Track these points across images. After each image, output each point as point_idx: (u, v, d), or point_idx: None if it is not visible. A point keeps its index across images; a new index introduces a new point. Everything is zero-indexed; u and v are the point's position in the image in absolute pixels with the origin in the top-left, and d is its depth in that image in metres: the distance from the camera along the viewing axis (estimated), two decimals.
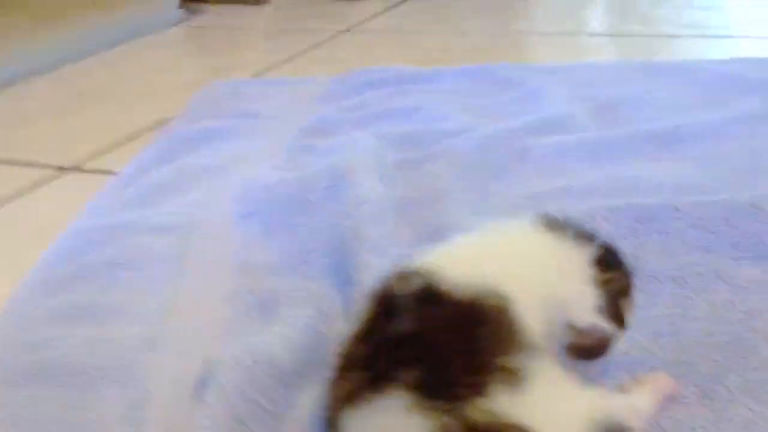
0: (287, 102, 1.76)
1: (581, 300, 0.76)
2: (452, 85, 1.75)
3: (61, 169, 1.56)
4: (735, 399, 0.78)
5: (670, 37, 2.19)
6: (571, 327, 0.75)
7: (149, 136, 1.68)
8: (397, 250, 1.01)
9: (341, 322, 0.90)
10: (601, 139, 1.37)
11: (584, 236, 0.80)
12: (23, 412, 0.84)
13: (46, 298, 1.05)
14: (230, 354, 0.81)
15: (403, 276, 0.71)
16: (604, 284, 0.77)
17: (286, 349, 0.83)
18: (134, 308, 1.01)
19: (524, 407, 0.61)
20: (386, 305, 0.70)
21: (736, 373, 0.81)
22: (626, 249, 0.87)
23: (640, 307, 0.90)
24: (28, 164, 1.59)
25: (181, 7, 2.78)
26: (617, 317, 0.78)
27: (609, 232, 1.03)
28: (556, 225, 0.80)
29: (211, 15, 2.85)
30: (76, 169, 1.57)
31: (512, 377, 0.63)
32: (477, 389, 0.61)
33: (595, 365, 0.79)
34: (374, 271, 0.93)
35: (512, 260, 0.75)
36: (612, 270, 0.79)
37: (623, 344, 0.83)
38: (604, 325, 0.76)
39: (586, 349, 0.77)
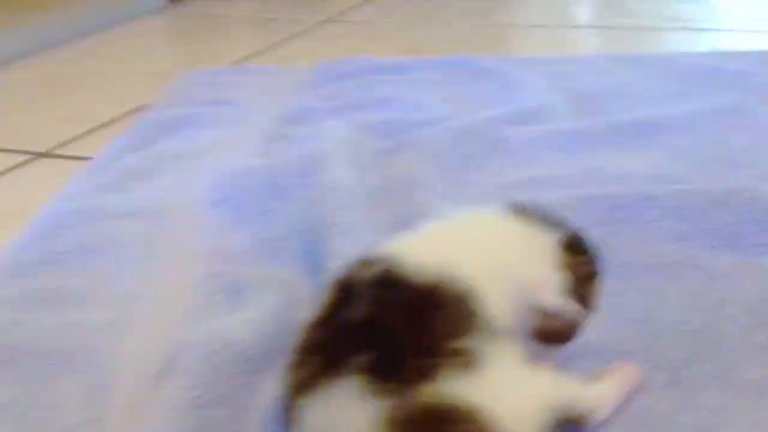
0: (264, 91, 1.74)
1: (548, 284, 0.75)
2: (430, 76, 1.75)
3: (36, 154, 1.55)
4: (704, 386, 0.77)
5: (652, 30, 2.19)
6: (538, 310, 0.74)
7: (126, 122, 1.66)
8: (368, 238, 1.00)
9: (309, 309, 0.89)
10: (577, 130, 1.37)
11: (552, 222, 0.80)
12: None
13: (15, 281, 1.04)
14: (194, 339, 0.80)
15: (364, 262, 0.71)
16: (572, 268, 0.77)
17: (252, 335, 0.82)
18: (102, 293, 1.00)
19: (477, 390, 0.61)
20: (345, 291, 0.69)
21: (706, 361, 0.80)
22: (600, 237, 0.87)
23: (613, 294, 0.90)
24: (2, 150, 1.57)
25: None
26: (584, 301, 0.77)
27: (583, 221, 1.02)
28: (524, 212, 0.80)
29: (193, 4, 2.83)
30: (51, 154, 1.55)
31: (466, 360, 0.62)
32: (427, 372, 0.60)
33: (564, 350, 0.78)
34: (344, 258, 0.92)
35: (478, 246, 0.75)
36: (579, 255, 0.79)
37: (594, 330, 0.83)
38: (571, 308, 0.75)
39: (553, 333, 0.76)
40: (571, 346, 0.79)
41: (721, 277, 0.94)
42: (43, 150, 1.56)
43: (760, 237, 0.99)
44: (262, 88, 1.76)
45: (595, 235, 0.98)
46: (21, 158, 1.53)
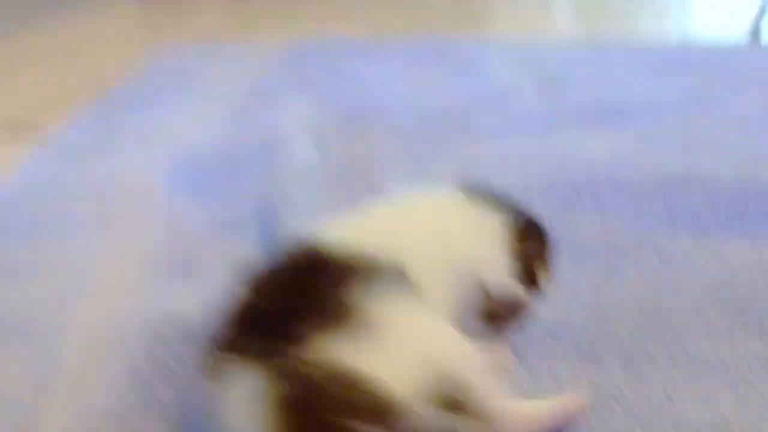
0: (231, 69, 1.73)
1: (494, 264, 0.74)
2: (398, 57, 1.74)
3: None
4: (655, 365, 0.77)
5: (624, 16, 2.19)
6: (483, 291, 0.73)
7: (89, 98, 1.63)
8: (324, 217, 0.99)
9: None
10: (541, 114, 1.38)
11: (502, 204, 0.78)
12: None
13: None
14: (142, 313, 0.79)
15: (294, 243, 0.70)
16: (520, 250, 0.75)
17: (201, 312, 0.80)
18: (54, 268, 0.98)
19: (363, 355, 0.59)
20: (266, 271, 0.68)
21: (658, 340, 0.80)
22: (560, 219, 0.86)
23: (569, 275, 0.90)
24: None
25: None
26: (531, 282, 0.76)
27: (543, 202, 1.02)
28: (474, 193, 0.78)
29: None
30: (10, 127, 1.52)
31: (353, 328, 0.60)
32: (307, 341, 0.59)
33: (512, 331, 0.78)
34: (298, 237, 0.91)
35: (421, 225, 0.73)
36: (529, 237, 0.77)
37: (549, 311, 0.82)
38: (517, 290, 0.74)
39: (499, 315, 0.75)
40: (524, 327, 0.79)
41: (678, 260, 0.94)
42: (1, 122, 1.54)
43: (717, 221, 0.99)
44: (228, 67, 1.75)
45: (554, 216, 0.98)
46: None
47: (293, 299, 0.63)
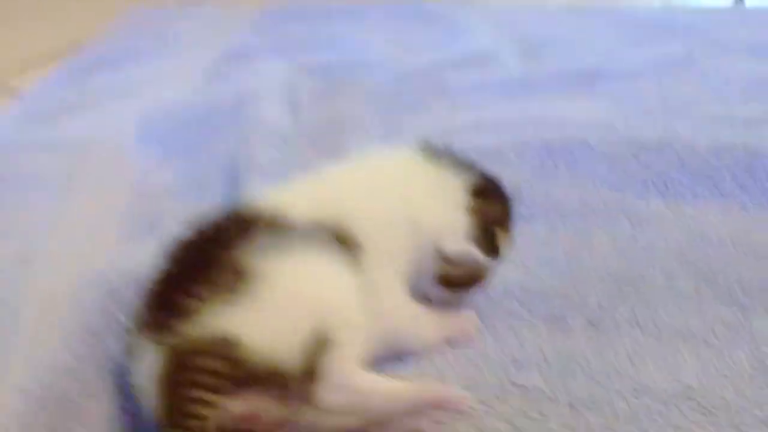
0: (207, 29, 1.71)
1: (452, 228, 0.72)
2: (378, 19, 1.72)
3: None
4: (621, 330, 0.75)
5: None
6: (441, 255, 0.72)
7: (64, 57, 1.61)
8: (290, 178, 0.98)
9: None
10: (520, 77, 1.36)
11: (463, 165, 0.76)
12: None
13: None
14: (99, 271, 0.77)
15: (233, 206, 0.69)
16: (479, 213, 0.73)
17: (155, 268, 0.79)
18: (16, 226, 0.97)
19: (244, 321, 0.58)
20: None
21: (626, 305, 0.79)
22: (532, 182, 0.85)
23: (539, 238, 0.89)
24: None
25: None
26: (491, 247, 0.74)
27: (517, 165, 1.01)
28: (435, 154, 0.76)
29: None
30: None
31: (238, 293, 0.59)
32: (193, 312, 0.58)
33: (472, 296, 0.76)
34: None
35: (375, 186, 0.72)
36: (489, 200, 0.75)
37: (516, 273, 0.81)
38: (475, 255, 0.73)
39: (457, 280, 0.73)
40: (485, 292, 0.77)
41: (649, 224, 0.93)
42: None
43: (690, 185, 0.98)
44: (205, 27, 1.73)
45: (529, 180, 0.97)
46: None
47: (190, 268, 0.62)
